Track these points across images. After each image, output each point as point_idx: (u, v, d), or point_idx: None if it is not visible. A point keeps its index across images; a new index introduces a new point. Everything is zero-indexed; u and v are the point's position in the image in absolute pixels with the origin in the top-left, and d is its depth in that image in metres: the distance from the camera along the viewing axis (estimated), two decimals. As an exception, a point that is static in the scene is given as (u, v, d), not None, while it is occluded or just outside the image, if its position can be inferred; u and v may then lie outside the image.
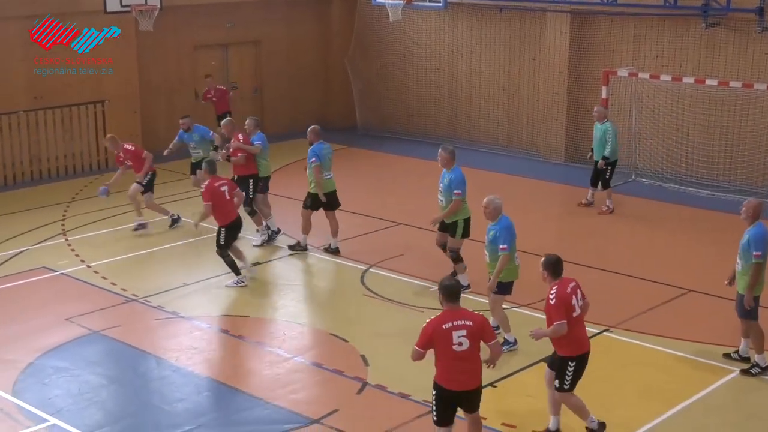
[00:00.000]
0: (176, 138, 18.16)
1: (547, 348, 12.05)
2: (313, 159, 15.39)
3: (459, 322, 8.73)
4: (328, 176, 15.63)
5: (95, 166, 21.54)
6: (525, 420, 10.43)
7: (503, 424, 10.32)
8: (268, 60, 24.80)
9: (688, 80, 19.04)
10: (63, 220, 17.69)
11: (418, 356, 8.84)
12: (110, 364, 12.08)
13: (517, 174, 21.26)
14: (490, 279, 11.94)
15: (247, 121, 16.67)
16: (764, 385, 11.29)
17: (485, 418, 10.38)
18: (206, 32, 23.57)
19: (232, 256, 14.38)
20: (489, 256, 12.05)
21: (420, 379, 11.47)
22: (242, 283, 14.32)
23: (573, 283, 9.65)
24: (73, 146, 21.23)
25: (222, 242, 14.30)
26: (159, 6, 20.74)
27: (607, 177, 17.98)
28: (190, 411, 10.68)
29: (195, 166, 18.00)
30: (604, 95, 19.92)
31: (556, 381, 9.74)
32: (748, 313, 11.43)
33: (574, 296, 9.54)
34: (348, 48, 25.80)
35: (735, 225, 17.33)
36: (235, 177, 16.12)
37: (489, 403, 10.81)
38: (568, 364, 9.60)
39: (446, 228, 13.93)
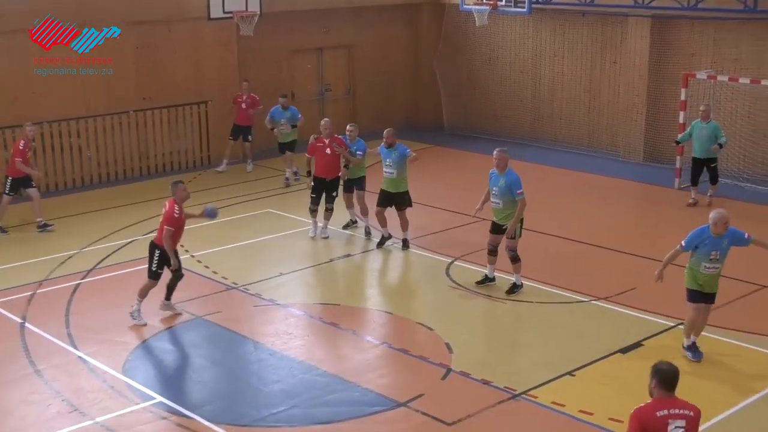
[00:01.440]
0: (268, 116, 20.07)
1: (615, 336, 12.05)
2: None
3: (677, 411, 7.10)
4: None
5: (198, 163, 21.95)
6: (601, 407, 10.38)
7: (580, 411, 10.30)
8: (359, 63, 24.96)
9: (767, 83, 18.67)
10: (169, 212, 18.05)
11: None
12: (212, 347, 12.33)
13: (597, 173, 21.09)
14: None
15: (349, 126, 16.72)
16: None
17: (563, 405, 10.42)
18: (303, 37, 23.80)
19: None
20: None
21: (502, 366, 11.57)
22: None
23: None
24: (179, 144, 21.67)
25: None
26: (259, 12, 21.05)
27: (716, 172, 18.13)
28: (285, 392, 10.84)
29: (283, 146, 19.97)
30: (683, 97, 19.63)
31: None
32: None
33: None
34: (436, 51, 25.84)
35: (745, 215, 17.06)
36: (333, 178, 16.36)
37: (567, 391, 10.84)
38: None
39: (499, 229, 13.66)
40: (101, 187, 20.23)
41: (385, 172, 15.62)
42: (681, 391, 10.60)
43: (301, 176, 19.50)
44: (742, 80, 19.08)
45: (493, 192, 13.49)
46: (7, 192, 16.84)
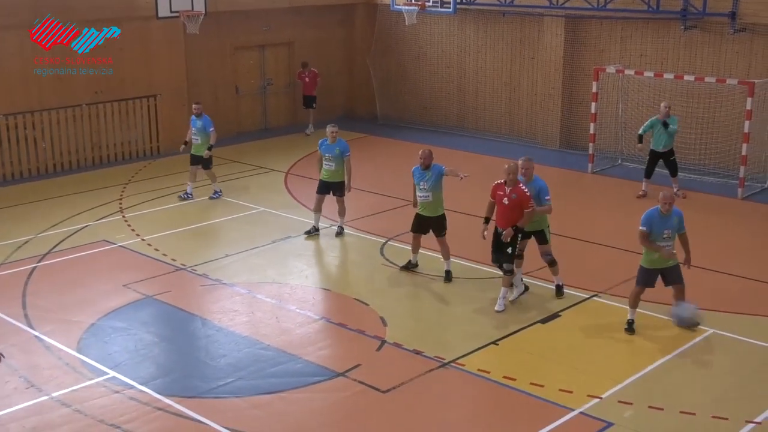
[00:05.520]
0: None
1: (535, 307, 12.07)
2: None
3: None
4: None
5: (148, 152, 21.53)
6: (523, 373, 10.40)
7: (504, 377, 10.28)
8: (299, 59, 24.66)
9: (669, 76, 18.85)
10: (120, 199, 17.72)
11: None
12: (162, 325, 12.08)
13: (517, 159, 21.05)
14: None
15: (329, 128, 14.97)
16: (733, 343, 11.21)
17: (489, 372, 10.40)
18: (245, 35, 23.49)
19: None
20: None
21: (432, 337, 11.51)
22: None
23: None
24: (130, 135, 21.22)
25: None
26: (204, 12, 20.73)
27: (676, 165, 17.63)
28: (232, 365, 10.68)
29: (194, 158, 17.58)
30: (594, 89, 19.74)
31: None
32: None
33: None
34: (369, 49, 25.68)
35: (709, 203, 17.28)
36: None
37: (492, 359, 10.83)
38: None
39: (527, 235, 12.42)
40: (56, 176, 19.72)
41: (420, 197, 13.21)
42: (591, 357, 10.68)
43: (221, 196, 17.66)
44: (647, 74, 19.24)
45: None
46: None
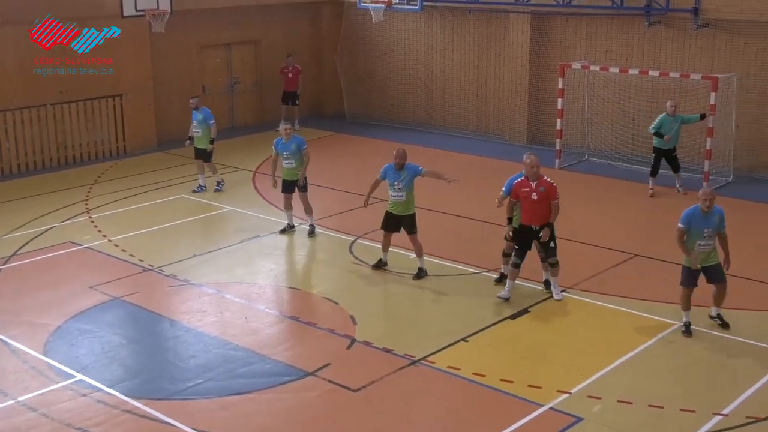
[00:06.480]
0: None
1: (504, 303, 12.10)
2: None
3: None
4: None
5: (114, 153, 21.30)
6: (493, 369, 10.39)
7: (474, 373, 10.27)
8: (267, 57, 24.54)
9: (634, 72, 18.95)
10: (87, 200, 17.52)
11: None
12: (129, 326, 11.95)
13: (485, 155, 21.17)
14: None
15: (283, 124, 15.18)
16: (700, 336, 11.29)
17: (459, 369, 10.38)
18: (212, 33, 23.31)
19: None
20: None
21: (402, 335, 11.48)
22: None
23: None
24: (95, 135, 20.98)
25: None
26: (170, 10, 20.54)
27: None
28: (201, 366, 10.58)
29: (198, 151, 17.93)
30: (560, 86, 19.80)
31: None
32: None
33: None
34: (337, 46, 25.59)
35: (672, 200, 17.39)
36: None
37: (462, 355, 10.81)
38: None
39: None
40: (20, 177, 19.44)
41: (393, 195, 13.15)
42: (559, 352, 10.71)
43: (223, 188, 17.97)
44: (612, 70, 19.33)
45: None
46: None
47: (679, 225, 11.06)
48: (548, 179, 12.04)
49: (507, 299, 12.28)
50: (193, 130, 17.83)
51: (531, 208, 11.90)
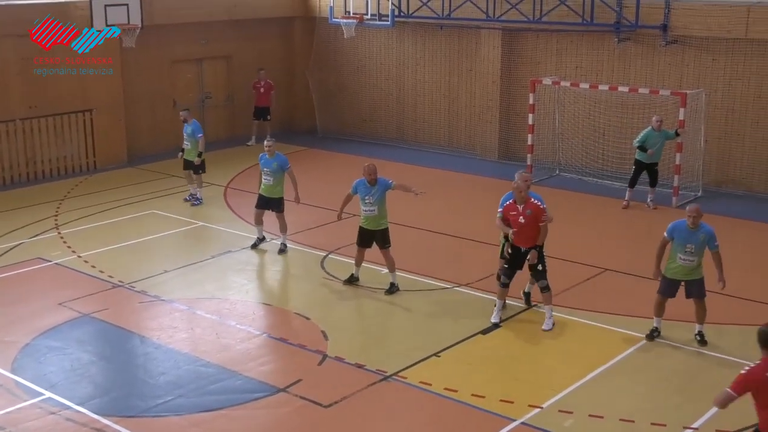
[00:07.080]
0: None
1: (476, 318, 12.09)
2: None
3: None
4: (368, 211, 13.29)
5: (84, 168, 21.15)
6: (464, 384, 10.38)
7: (446, 388, 10.26)
8: (238, 72, 24.51)
9: (604, 88, 19.11)
10: (56, 215, 17.36)
11: (729, 400, 7.26)
12: (99, 343, 11.82)
13: (456, 170, 21.24)
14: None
15: (267, 142, 15.08)
16: (672, 350, 11.36)
17: (430, 384, 10.37)
18: (183, 48, 23.25)
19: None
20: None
21: (374, 351, 11.45)
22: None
23: None
24: (65, 150, 20.83)
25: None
26: (140, 25, 20.46)
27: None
28: (171, 383, 10.49)
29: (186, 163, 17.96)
30: (531, 101, 19.92)
31: None
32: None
33: None
34: (309, 62, 25.60)
35: (644, 213, 17.53)
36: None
37: (434, 371, 10.80)
38: None
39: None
40: (-11, 192, 19.28)
41: (365, 210, 13.14)
42: (531, 367, 10.73)
43: (202, 203, 17.98)
44: (582, 85, 19.48)
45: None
46: None
47: (664, 234, 11.24)
48: (536, 201, 11.85)
49: (498, 324, 12.10)
50: (184, 142, 17.91)
51: (519, 230, 11.83)
